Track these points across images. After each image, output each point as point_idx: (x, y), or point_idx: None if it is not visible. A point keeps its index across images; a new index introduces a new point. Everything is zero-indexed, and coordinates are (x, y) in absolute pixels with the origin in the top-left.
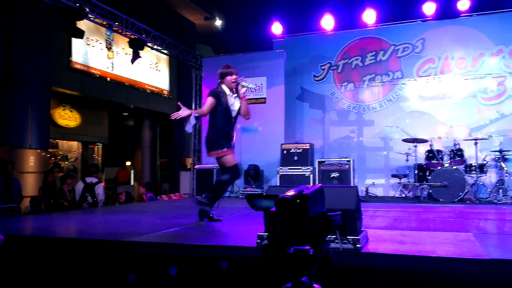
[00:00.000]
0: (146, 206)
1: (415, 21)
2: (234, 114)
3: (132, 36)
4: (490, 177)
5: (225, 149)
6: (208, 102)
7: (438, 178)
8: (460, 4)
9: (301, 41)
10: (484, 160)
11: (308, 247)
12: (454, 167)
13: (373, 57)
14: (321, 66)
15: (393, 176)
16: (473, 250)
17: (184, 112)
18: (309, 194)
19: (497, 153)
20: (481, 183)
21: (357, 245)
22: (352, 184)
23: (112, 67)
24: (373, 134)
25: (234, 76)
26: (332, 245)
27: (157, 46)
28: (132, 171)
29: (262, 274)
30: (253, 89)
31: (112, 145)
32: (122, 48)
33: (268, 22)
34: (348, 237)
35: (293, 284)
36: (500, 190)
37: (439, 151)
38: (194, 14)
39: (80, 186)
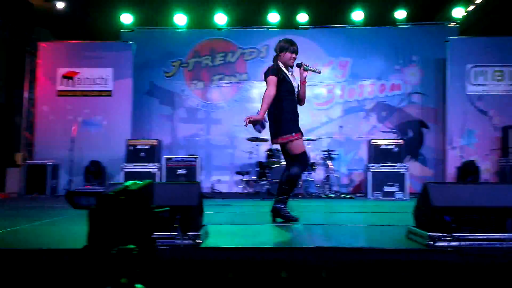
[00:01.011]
0: None
1: (261, 28)
2: (296, 90)
3: None
4: (319, 174)
5: (293, 134)
6: (272, 81)
7: (276, 175)
8: (300, 16)
9: (151, 35)
10: (314, 158)
11: (133, 246)
12: None
13: (222, 58)
14: (171, 62)
15: (237, 173)
16: (300, 239)
17: (257, 118)
18: (135, 190)
19: (325, 152)
20: (311, 179)
21: (197, 241)
22: (198, 181)
23: None
24: (221, 132)
25: (294, 55)
26: (173, 241)
27: None
28: None
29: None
30: (317, 73)
31: None
32: None
33: (117, 11)
34: (188, 233)
35: (112, 287)
36: (326, 186)
37: (277, 150)
38: None
39: None
